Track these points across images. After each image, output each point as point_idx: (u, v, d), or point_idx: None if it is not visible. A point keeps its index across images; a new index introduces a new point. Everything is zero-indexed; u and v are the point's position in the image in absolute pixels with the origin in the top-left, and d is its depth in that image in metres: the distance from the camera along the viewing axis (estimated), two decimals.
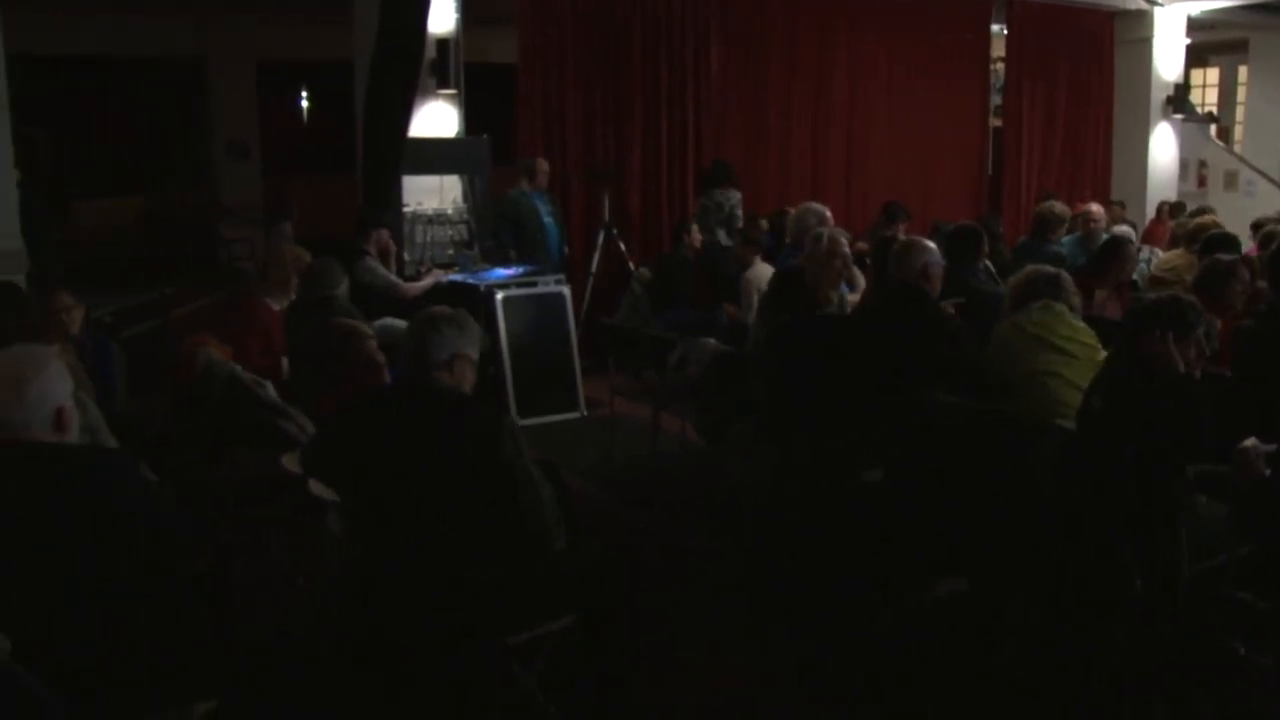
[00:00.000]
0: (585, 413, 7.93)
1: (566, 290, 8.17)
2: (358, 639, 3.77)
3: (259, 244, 13.61)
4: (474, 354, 3.61)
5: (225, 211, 14.74)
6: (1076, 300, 4.90)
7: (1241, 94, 18.57)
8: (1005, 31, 13.15)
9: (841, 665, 4.24)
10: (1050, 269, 4.95)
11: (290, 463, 4.20)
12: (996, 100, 13.55)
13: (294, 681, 3.80)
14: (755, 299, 8.57)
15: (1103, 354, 4.58)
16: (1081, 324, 4.77)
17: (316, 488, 3.89)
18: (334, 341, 4.47)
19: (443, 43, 9.07)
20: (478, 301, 7.59)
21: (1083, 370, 4.51)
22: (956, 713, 3.88)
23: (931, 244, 5.32)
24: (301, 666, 3.99)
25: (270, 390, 5.26)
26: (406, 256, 8.59)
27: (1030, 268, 5.09)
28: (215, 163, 15.48)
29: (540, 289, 8.00)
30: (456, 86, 9.24)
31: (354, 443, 3.54)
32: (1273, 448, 3.68)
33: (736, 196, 9.67)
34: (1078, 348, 4.63)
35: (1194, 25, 14.47)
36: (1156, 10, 13.80)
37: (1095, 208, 8.81)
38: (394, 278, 7.72)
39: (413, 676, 3.50)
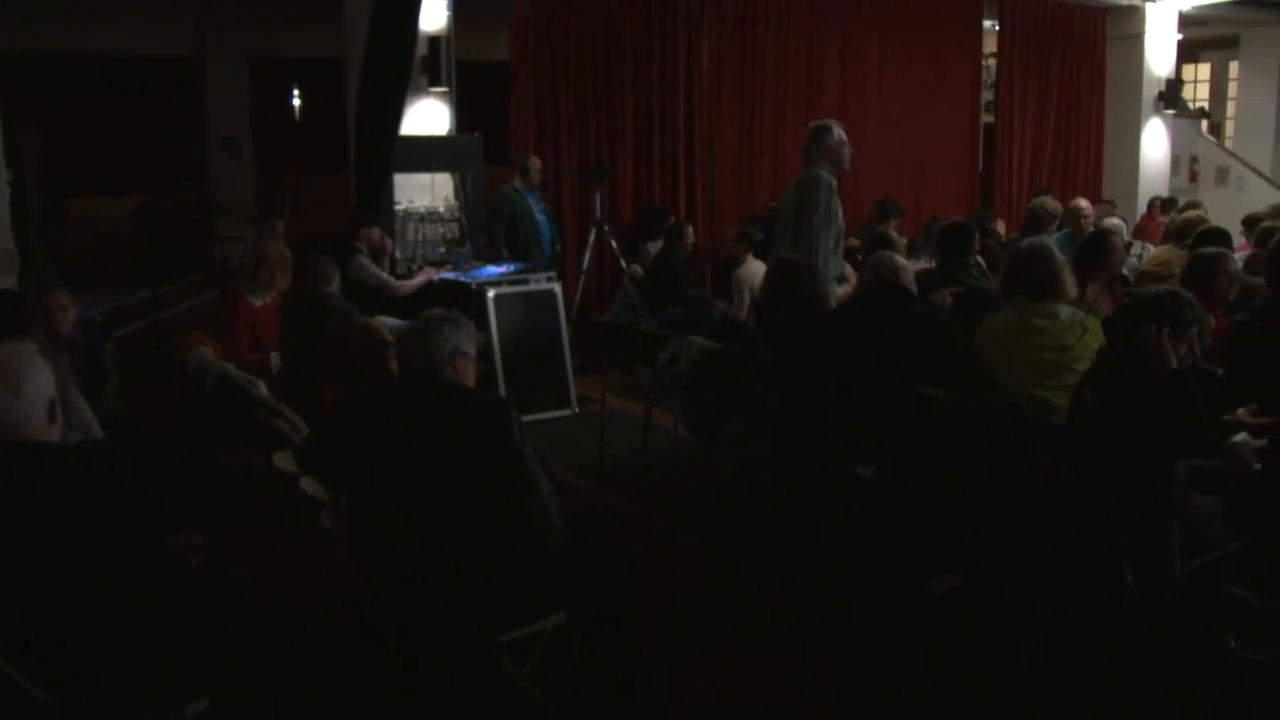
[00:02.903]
0: (577, 410, 7.95)
1: (558, 288, 8.19)
2: (358, 634, 3.80)
3: (253, 241, 13.62)
4: (473, 351, 3.70)
5: (219, 209, 14.73)
6: (1063, 275, 4.70)
7: (1233, 89, 18.60)
8: (997, 27, 13.17)
9: (842, 659, 4.26)
10: (1031, 252, 4.76)
11: (283, 461, 4.22)
12: (988, 96, 13.57)
13: (289, 678, 3.84)
14: (747, 295, 8.62)
15: (1094, 343, 4.53)
16: (1061, 318, 4.60)
17: (309, 485, 3.92)
18: (360, 345, 4.50)
19: (434, 40, 9.09)
20: (470, 299, 7.61)
21: (1058, 381, 4.44)
22: (953, 706, 3.90)
23: (899, 258, 5.36)
24: (297, 663, 4.02)
25: (262, 388, 5.27)
26: (398, 254, 8.59)
27: (1014, 250, 4.99)
28: (209, 160, 15.47)
29: (532, 286, 8.02)
30: (448, 84, 9.26)
31: (362, 437, 3.60)
32: (1263, 442, 3.70)
33: None
34: (1050, 357, 4.50)
35: (1185, 21, 14.51)
36: (1148, 6, 13.84)
37: (1083, 203, 8.84)
38: (386, 276, 7.74)
39: (414, 671, 3.53)
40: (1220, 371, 4.69)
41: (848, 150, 6.43)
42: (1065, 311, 4.61)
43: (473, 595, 3.32)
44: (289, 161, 16.39)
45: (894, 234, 8.09)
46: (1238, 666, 3.81)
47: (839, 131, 6.39)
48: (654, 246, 9.46)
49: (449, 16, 9.26)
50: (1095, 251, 6.70)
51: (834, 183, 6.30)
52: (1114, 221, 8.74)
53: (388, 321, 6.57)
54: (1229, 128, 18.60)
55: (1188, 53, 16.66)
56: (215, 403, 5.18)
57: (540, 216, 9.10)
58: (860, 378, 4.76)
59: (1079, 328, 4.57)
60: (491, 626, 3.37)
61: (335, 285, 5.80)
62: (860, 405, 4.72)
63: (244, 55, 15.19)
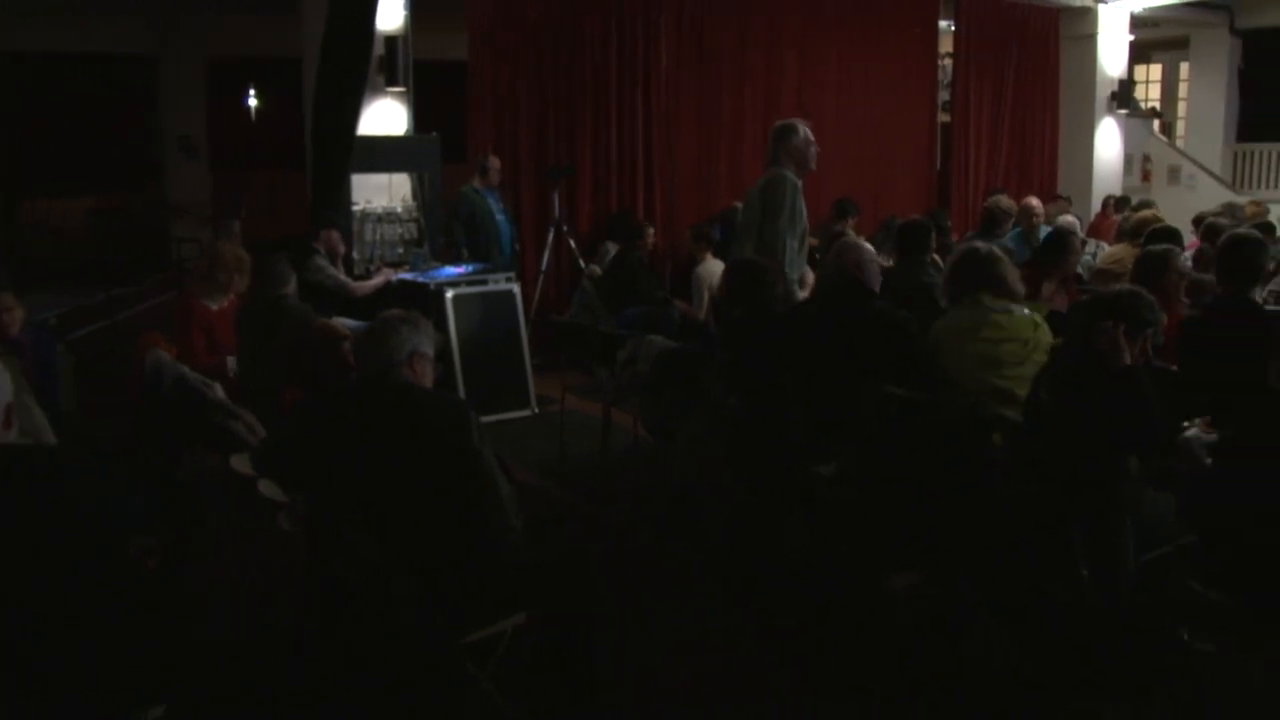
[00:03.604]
0: (537, 410, 7.94)
1: (517, 288, 8.17)
2: (317, 637, 3.78)
3: (208, 242, 13.50)
4: (431, 352, 3.70)
5: (175, 210, 14.59)
6: (1014, 276, 4.82)
7: (1183, 90, 18.84)
8: (953, 28, 13.28)
9: (807, 658, 4.29)
10: (977, 251, 4.87)
11: (240, 464, 4.19)
12: (945, 96, 13.68)
13: (247, 683, 3.81)
14: (706, 295, 8.64)
15: (1046, 340, 4.61)
16: (1014, 314, 4.70)
17: (266, 488, 3.89)
18: (317, 346, 4.48)
19: (391, 40, 9.05)
20: (428, 300, 7.58)
21: (1015, 373, 4.50)
22: (920, 703, 3.93)
23: (865, 242, 5.36)
24: (256, 668, 3.99)
25: (219, 391, 5.24)
26: (356, 255, 8.56)
27: (957, 250, 5.07)
28: (165, 161, 15.32)
29: (491, 287, 8.00)
30: (405, 84, 9.22)
31: (319, 438, 3.58)
32: (1214, 437, 3.75)
33: None
34: (1007, 349, 4.58)
35: (1137, 22, 14.69)
36: (1100, 7, 14.00)
37: (1034, 201, 8.93)
38: (343, 277, 7.70)
39: (374, 673, 3.51)
40: (1174, 368, 4.77)
41: (814, 150, 6.40)
42: (1017, 308, 4.70)
43: (432, 597, 3.32)
44: (245, 162, 16.26)
45: (851, 233, 8.13)
46: (1190, 658, 3.88)
47: (805, 130, 6.36)
48: (613, 246, 9.47)
49: (406, 16, 9.22)
50: (1055, 250, 6.80)
51: (799, 184, 6.29)
52: (1070, 220, 8.83)
53: (346, 323, 6.55)
54: (1180, 127, 18.84)
55: (1139, 53, 16.87)
56: (172, 405, 5.14)
57: (500, 217, 9.09)
58: (820, 374, 4.78)
59: (1032, 323, 4.67)
60: (452, 628, 3.36)
61: (292, 287, 5.76)
62: (820, 402, 4.74)
63: (199, 54, 15.05)
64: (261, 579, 4.67)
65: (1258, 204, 10.66)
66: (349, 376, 4.25)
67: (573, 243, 9.67)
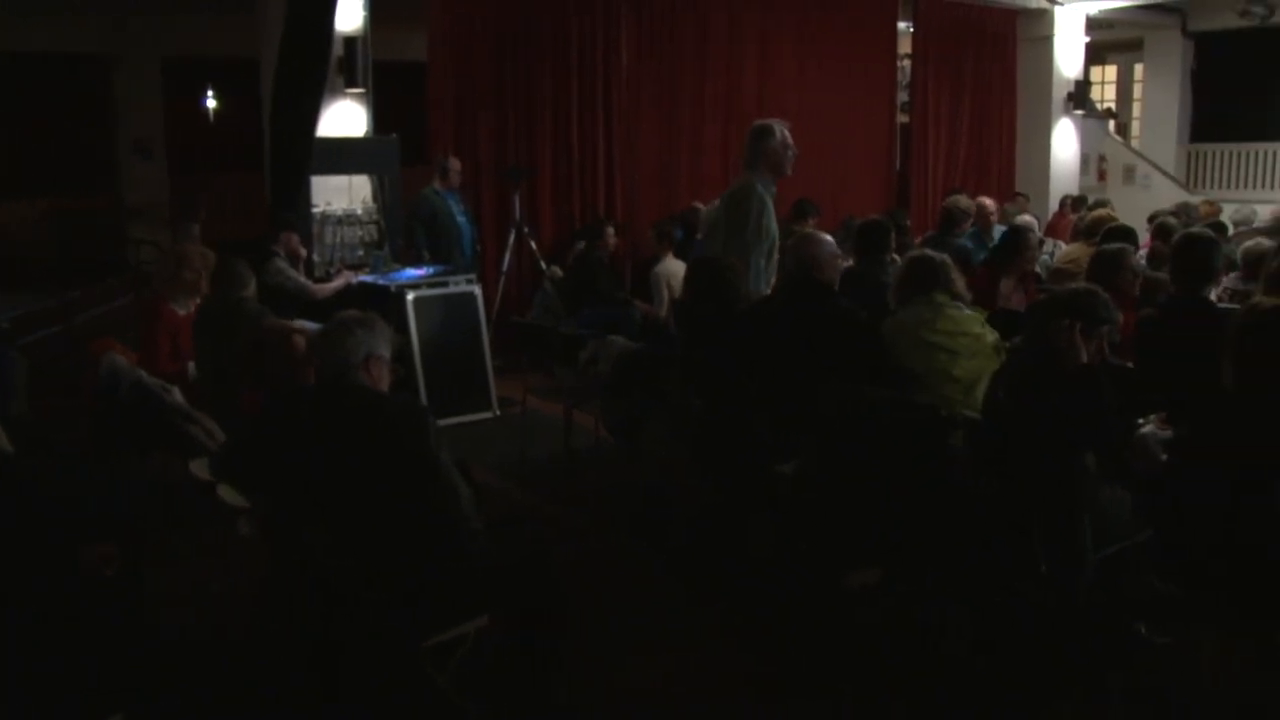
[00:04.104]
0: (499, 412, 7.92)
1: (478, 290, 8.15)
2: (277, 642, 3.76)
3: (167, 245, 13.37)
4: (387, 353, 3.66)
5: (131, 212, 14.43)
6: (960, 284, 4.98)
7: (1138, 91, 19.07)
8: (912, 29, 13.36)
9: (772, 657, 4.30)
10: (930, 257, 5.02)
11: (199, 468, 4.16)
12: (904, 97, 13.76)
13: (207, 689, 3.78)
14: (666, 294, 8.66)
15: (990, 337, 4.71)
16: (965, 312, 4.86)
17: (226, 493, 3.87)
18: (269, 346, 4.45)
19: (350, 40, 8.99)
20: (389, 302, 7.55)
21: (969, 363, 4.61)
22: (886, 698, 3.96)
23: (826, 236, 5.37)
24: (216, 673, 3.96)
25: (177, 395, 5.20)
26: (316, 258, 8.50)
27: (907, 257, 5.19)
28: (121, 162, 15.15)
29: (451, 289, 7.97)
30: (365, 85, 9.16)
31: (276, 443, 3.55)
32: (1169, 434, 3.80)
33: None
34: (962, 341, 4.71)
35: (1093, 24, 14.86)
36: (1057, 9, 14.14)
37: (988, 201, 9.01)
38: (303, 279, 7.66)
39: (334, 678, 3.49)
40: (1130, 365, 4.84)
41: (791, 153, 6.08)
42: (964, 307, 4.89)
43: (393, 600, 3.30)
44: (203, 163, 16.11)
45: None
46: (1147, 651, 3.94)
47: (782, 132, 6.05)
48: (577, 247, 9.46)
49: (365, 16, 9.15)
50: (1011, 248, 6.87)
51: (769, 193, 6.01)
52: (1026, 219, 8.92)
53: (306, 325, 6.52)
54: (1135, 128, 19.06)
55: (1095, 55, 17.06)
56: (129, 410, 5.09)
57: (461, 218, 9.06)
58: (781, 370, 4.80)
59: (979, 320, 4.86)
60: (413, 632, 3.35)
61: (252, 289, 5.72)
62: (781, 399, 4.77)
63: (155, 54, 14.89)
64: (222, 585, 4.63)
65: (1211, 204, 10.82)
66: (305, 377, 4.22)
67: (534, 244, 9.65)
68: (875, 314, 5.04)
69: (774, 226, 6.03)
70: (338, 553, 3.31)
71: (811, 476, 4.63)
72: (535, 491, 6.36)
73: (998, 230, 8.24)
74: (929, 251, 5.14)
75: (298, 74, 7.87)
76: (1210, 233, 5.60)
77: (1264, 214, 9.37)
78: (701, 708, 4.00)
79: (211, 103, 17.59)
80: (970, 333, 4.75)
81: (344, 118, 9.13)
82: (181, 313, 6.07)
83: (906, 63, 13.78)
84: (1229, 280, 6.46)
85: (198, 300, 6.07)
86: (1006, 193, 13.10)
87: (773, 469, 4.80)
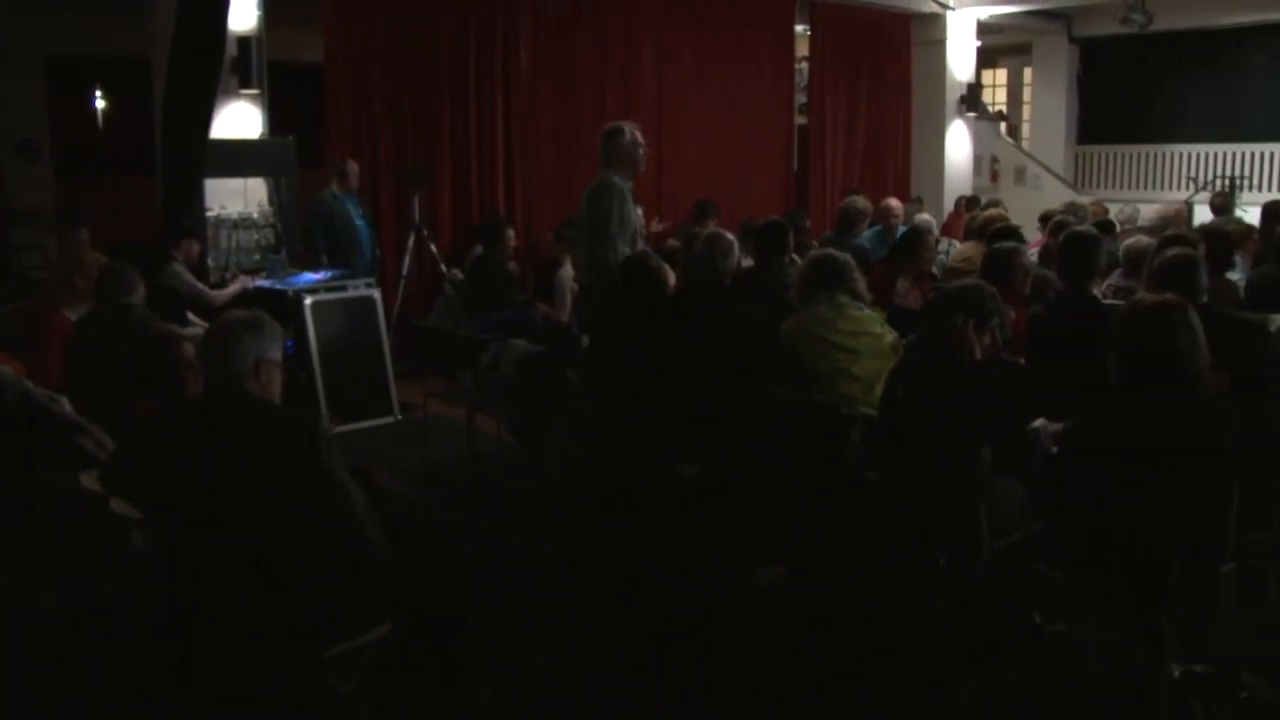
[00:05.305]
0: (400, 416, 7.86)
1: (377, 293, 8.08)
2: (174, 655, 3.68)
3: (53, 251, 12.98)
4: (277, 355, 3.57)
5: (15, 216, 13.98)
6: (861, 284, 5.04)
7: (1027, 94, 19.53)
8: (809, 32, 13.53)
9: (679, 656, 4.31)
10: (833, 256, 5.07)
11: (90, 481, 4.05)
12: (801, 99, 13.93)
13: (102, 707, 3.69)
14: (569, 296, 8.66)
15: (890, 337, 4.79)
16: (866, 312, 4.92)
17: (119, 505, 3.77)
18: (153, 347, 4.34)
19: (244, 40, 8.82)
20: (286, 307, 7.44)
21: (870, 363, 4.69)
22: (785, 692, 4.01)
23: (727, 234, 5.45)
24: (111, 690, 3.87)
25: (66, 405, 5.05)
26: (211, 262, 8.33)
27: (810, 256, 5.24)
28: (3, 164, 14.67)
29: (350, 293, 7.89)
30: (260, 86, 9.00)
31: (166, 455, 3.46)
32: (1060, 427, 3.90)
33: None
34: (863, 341, 4.78)
35: (983, 29, 15.19)
36: (949, 14, 14.42)
37: (894, 202, 9.16)
38: (200, 284, 7.52)
39: (231, 691, 3.43)
40: (1022, 361, 4.96)
41: (642, 151, 6.33)
42: (866, 308, 4.95)
43: (290, 611, 3.25)
44: (92, 165, 15.67)
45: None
46: (1043, 638, 4.04)
47: (632, 132, 6.30)
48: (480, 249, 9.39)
49: (260, 16, 8.99)
50: (909, 248, 7.00)
51: (627, 187, 6.22)
52: (925, 219, 9.08)
53: (198, 331, 6.39)
54: (1025, 130, 19.52)
55: (986, 59, 17.44)
56: (15, 422, 4.94)
57: (359, 222, 8.98)
58: (691, 370, 4.83)
59: (879, 320, 4.92)
60: (313, 642, 3.30)
61: (139, 295, 5.59)
62: (691, 399, 4.79)
63: (39, 53, 14.44)
64: (117, 600, 4.52)
65: (1098, 204, 11.13)
66: (194, 385, 4.13)
67: (433, 247, 9.59)
68: (775, 314, 5.08)
69: (634, 217, 6.28)
70: (232, 562, 3.25)
71: (719, 476, 4.67)
72: (438, 495, 6.33)
73: (901, 231, 8.37)
74: (832, 251, 5.18)
75: (190, 74, 7.72)
76: (1094, 231, 5.78)
77: (1147, 213, 9.65)
78: (611, 709, 4.00)
79: (100, 103, 17.14)
80: (871, 333, 4.82)
81: (239, 120, 8.96)
82: (74, 318, 5.92)
83: (804, 65, 13.94)
84: (1113, 278, 6.65)
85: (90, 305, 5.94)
86: (902, 193, 13.34)
87: (678, 470, 4.84)
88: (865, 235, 8.40)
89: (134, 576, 4.36)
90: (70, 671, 4.00)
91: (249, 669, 3.37)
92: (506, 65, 10.32)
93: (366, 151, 9.45)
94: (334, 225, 8.78)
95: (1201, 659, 3.77)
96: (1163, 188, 16.67)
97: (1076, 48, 17.72)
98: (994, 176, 16.56)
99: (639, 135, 6.34)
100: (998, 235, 6.83)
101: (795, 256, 6.88)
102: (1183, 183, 16.50)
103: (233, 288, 7.77)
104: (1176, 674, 3.62)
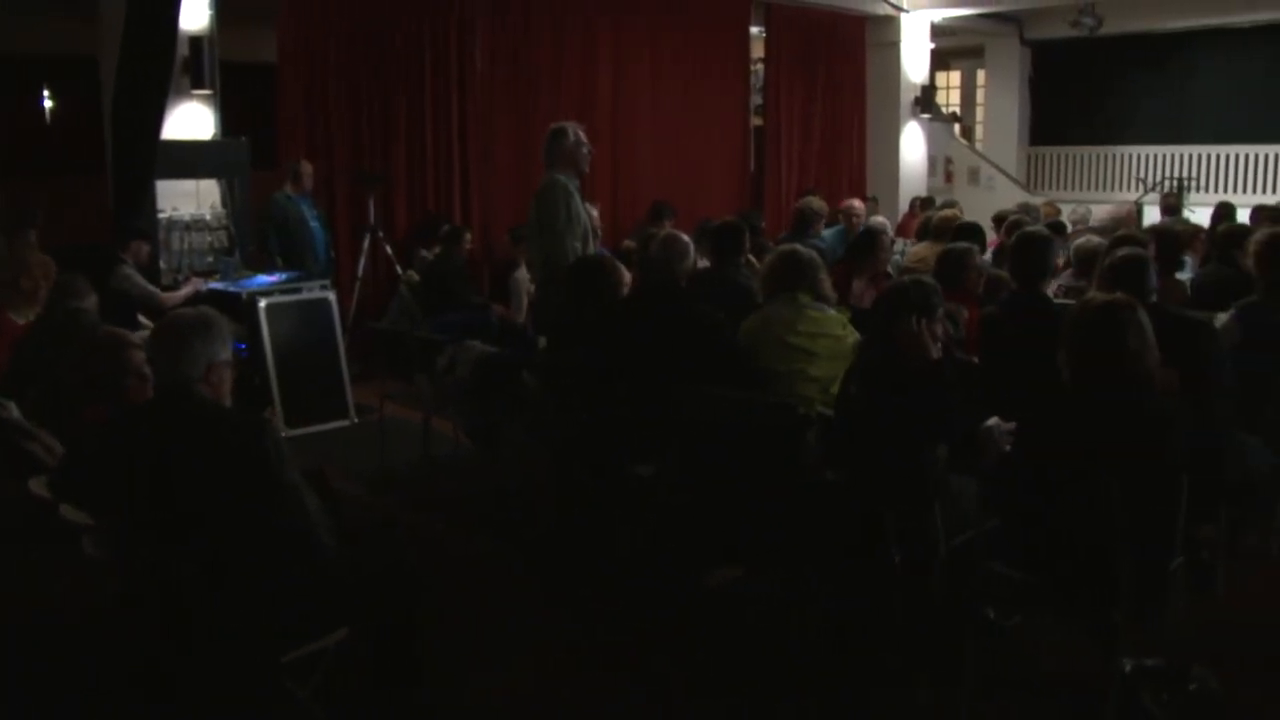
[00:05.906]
0: (356, 419, 7.80)
1: (332, 296, 8.02)
2: (126, 664, 3.64)
3: (1, 252, 12.78)
4: (228, 355, 3.52)
5: None
6: (827, 284, 5.03)
7: (980, 96, 19.71)
8: (764, 34, 13.59)
9: (637, 658, 4.32)
10: (798, 253, 5.04)
11: (39, 487, 3.99)
12: (757, 100, 13.99)
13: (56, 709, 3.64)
14: (525, 298, 8.64)
15: (851, 339, 4.80)
16: (828, 312, 4.91)
17: (69, 512, 3.72)
18: (103, 351, 4.28)
19: (196, 40, 8.73)
20: (240, 310, 7.38)
21: (828, 365, 4.68)
22: (742, 692, 4.03)
23: (683, 235, 5.46)
24: (66, 702, 3.82)
25: (13, 410, 4.97)
26: (163, 265, 8.23)
27: (776, 252, 5.22)
28: None
29: (305, 295, 7.83)
30: (212, 86, 8.91)
31: (117, 460, 3.42)
32: (1013, 425, 3.94)
33: None
34: (822, 343, 4.75)
35: (937, 31, 15.31)
36: (903, 16, 14.53)
37: (856, 203, 9.25)
38: (151, 287, 7.43)
39: (185, 698, 3.40)
40: (976, 360, 5.01)
41: (586, 151, 6.38)
42: (828, 308, 4.93)
43: (245, 615, 3.22)
44: (40, 166, 15.44)
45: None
46: (996, 633, 4.08)
47: (575, 132, 6.34)
48: (429, 253, 9.37)
49: (212, 15, 8.90)
50: (865, 249, 7.06)
51: (574, 185, 6.28)
52: (880, 220, 9.15)
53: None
54: (979, 131, 19.69)
55: (940, 61, 17.57)
56: None
57: (314, 223, 8.92)
58: (645, 371, 4.83)
59: (841, 322, 4.90)
60: (268, 647, 3.27)
61: (91, 300, 5.52)
62: (644, 400, 4.80)
63: None
64: (68, 609, 4.46)
65: (1051, 205, 11.26)
66: (143, 390, 4.08)
67: (389, 248, 9.54)
68: (732, 315, 5.09)
69: (584, 213, 6.33)
70: (185, 567, 3.22)
71: (673, 477, 4.68)
72: (395, 498, 6.29)
73: None
74: (799, 247, 5.14)
75: (140, 74, 7.63)
76: (1045, 230, 5.84)
77: (1099, 213, 9.77)
78: (571, 708, 4.00)
79: (48, 102, 16.91)
80: (831, 334, 4.79)
81: (191, 120, 8.87)
82: (20, 322, 5.82)
83: (760, 67, 13.99)
84: (1064, 277, 6.72)
85: (38, 309, 5.84)
86: (858, 194, 13.41)
87: (633, 470, 4.84)
88: (827, 235, 8.45)
89: (84, 583, 4.31)
90: (21, 678, 3.94)
91: (205, 673, 3.34)
92: (462, 65, 10.29)
93: (321, 152, 9.38)
94: (288, 227, 8.71)
95: (1152, 653, 3.83)
96: (1113, 189, 16.87)
97: (1028, 50, 17.91)
98: (949, 177, 16.70)
99: (583, 135, 6.39)
100: (960, 233, 6.90)
101: (752, 258, 6.91)
102: (1132, 184, 16.72)
103: (185, 290, 7.68)
104: (1128, 668, 3.67)
